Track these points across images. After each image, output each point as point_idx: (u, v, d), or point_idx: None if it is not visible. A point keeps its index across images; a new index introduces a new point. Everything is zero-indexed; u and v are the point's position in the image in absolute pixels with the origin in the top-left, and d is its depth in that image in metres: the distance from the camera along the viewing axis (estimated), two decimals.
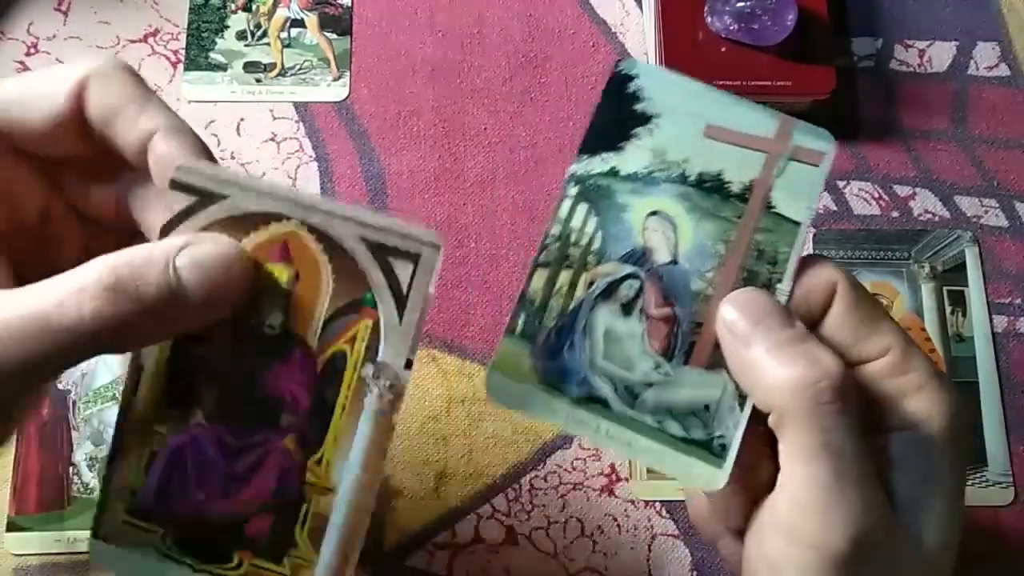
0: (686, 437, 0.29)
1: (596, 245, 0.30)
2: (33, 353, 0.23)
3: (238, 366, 0.27)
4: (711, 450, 0.29)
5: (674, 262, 0.30)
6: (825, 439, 0.26)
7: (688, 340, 0.29)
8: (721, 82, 0.49)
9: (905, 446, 0.28)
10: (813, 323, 0.29)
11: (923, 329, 0.48)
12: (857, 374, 0.29)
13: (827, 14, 0.50)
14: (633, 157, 0.30)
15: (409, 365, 0.27)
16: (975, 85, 0.53)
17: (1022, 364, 0.48)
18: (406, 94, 0.52)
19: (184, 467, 0.27)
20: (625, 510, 0.45)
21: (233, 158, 0.50)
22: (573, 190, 0.30)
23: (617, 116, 0.31)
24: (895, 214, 0.51)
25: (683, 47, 0.49)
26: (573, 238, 0.30)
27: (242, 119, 0.51)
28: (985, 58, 0.54)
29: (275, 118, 0.51)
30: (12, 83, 0.27)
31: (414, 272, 0.26)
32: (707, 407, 0.29)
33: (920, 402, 0.28)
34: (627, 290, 0.30)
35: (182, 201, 0.26)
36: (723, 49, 0.49)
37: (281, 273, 0.26)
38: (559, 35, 0.53)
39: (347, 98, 0.52)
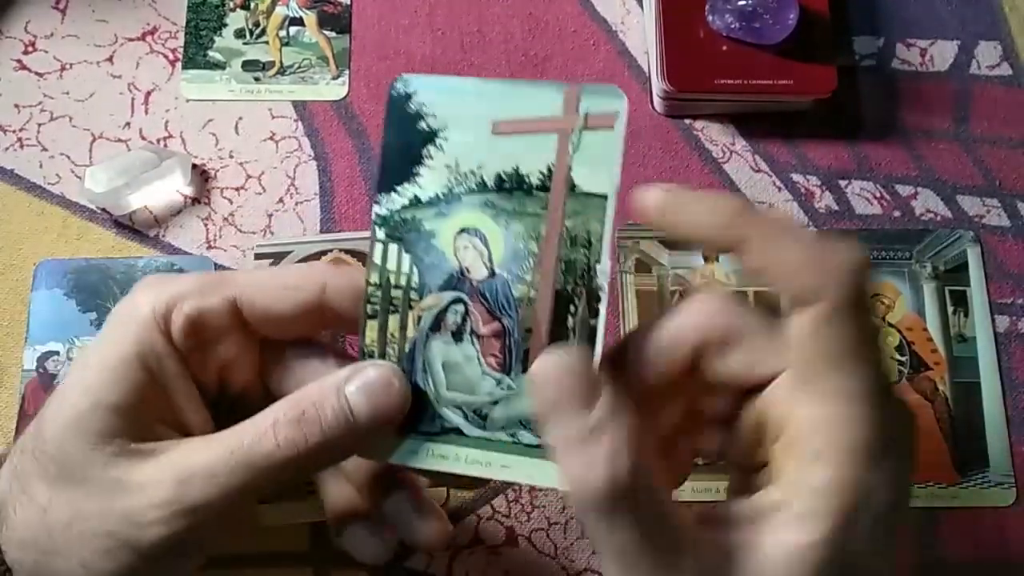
0: (541, 443, 0.28)
1: (415, 281, 0.30)
2: (236, 485, 0.27)
3: None
4: None
5: (492, 275, 0.29)
6: (606, 545, 0.25)
7: (522, 348, 0.29)
8: (722, 81, 0.48)
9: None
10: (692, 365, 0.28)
11: (924, 329, 0.48)
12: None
13: (828, 13, 0.50)
14: (430, 180, 0.29)
15: None
16: (977, 84, 0.53)
17: None
18: None
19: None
20: None
21: (231, 157, 0.50)
22: (381, 233, 0.30)
23: (404, 141, 0.29)
24: (897, 214, 0.50)
25: (684, 46, 0.49)
26: (393, 280, 0.30)
27: (240, 118, 0.51)
28: (987, 57, 0.53)
29: (274, 117, 0.51)
30: (267, 275, 0.32)
31: None
32: None
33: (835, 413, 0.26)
34: (453, 316, 0.30)
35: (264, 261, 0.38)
36: (724, 48, 0.49)
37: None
38: (559, 34, 0.53)
39: (346, 97, 0.51)
